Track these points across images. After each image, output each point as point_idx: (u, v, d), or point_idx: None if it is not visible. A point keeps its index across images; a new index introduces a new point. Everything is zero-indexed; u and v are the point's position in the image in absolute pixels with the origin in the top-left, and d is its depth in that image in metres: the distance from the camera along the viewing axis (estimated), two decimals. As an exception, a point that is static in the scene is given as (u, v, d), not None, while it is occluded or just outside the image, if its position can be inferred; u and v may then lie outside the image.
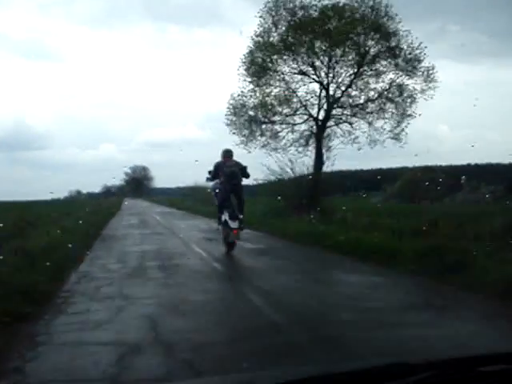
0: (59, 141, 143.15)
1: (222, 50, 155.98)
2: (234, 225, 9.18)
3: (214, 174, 9.86)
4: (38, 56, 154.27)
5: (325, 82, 17.86)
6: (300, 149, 18.24)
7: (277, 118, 18.20)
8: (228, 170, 9.50)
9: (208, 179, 10.27)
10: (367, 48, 17.34)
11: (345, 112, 18.44)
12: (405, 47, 17.08)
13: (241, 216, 9.39)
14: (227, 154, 9.85)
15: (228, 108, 18.47)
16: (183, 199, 39.97)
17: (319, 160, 17.44)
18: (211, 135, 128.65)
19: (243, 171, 9.83)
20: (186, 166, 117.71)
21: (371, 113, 18.11)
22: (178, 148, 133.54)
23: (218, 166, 9.74)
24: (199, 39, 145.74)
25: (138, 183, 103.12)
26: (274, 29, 17.37)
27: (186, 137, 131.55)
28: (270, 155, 17.43)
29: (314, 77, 17.95)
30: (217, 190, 10.01)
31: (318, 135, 18.09)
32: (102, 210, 28.74)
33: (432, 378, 1.24)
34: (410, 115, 17.75)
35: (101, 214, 24.38)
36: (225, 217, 9.47)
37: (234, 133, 18.29)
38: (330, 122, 18.40)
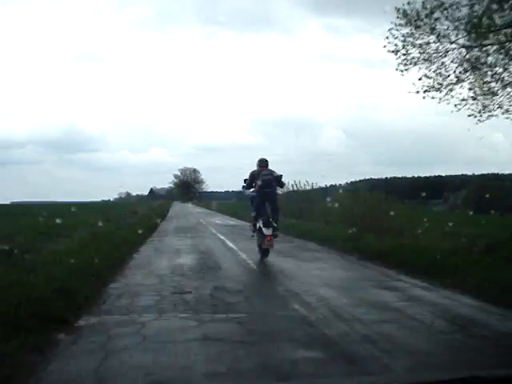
0: (112, 144, 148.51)
1: (271, 55, 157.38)
2: (267, 232, 9.32)
3: (250, 182, 10.06)
4: (91, 59, 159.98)
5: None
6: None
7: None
8: (263, 179, 9.69)
9: (244, 187, 10.32)
10: None
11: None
12: None
13: (275, 224, 9.55)
14: (262, 163, 10.03)
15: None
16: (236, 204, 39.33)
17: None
18: (260, 139, 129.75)
19: (278, 180, 10.05)
20: (234, 170, 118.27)
21: None
22: (227, 152, 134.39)
23: (253, 175, 9.98)
24: (250, 44, 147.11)
25: (187, 186, 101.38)
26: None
27: (235, 141, 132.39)
28: None
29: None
30: (252, 198, 10.20)
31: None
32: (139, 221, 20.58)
33: None
34: None
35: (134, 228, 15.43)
36: (259, 224, 9.62)
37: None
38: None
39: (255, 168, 10.07)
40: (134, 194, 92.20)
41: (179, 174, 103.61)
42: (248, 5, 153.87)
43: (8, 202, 53.16)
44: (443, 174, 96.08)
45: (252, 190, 10.07)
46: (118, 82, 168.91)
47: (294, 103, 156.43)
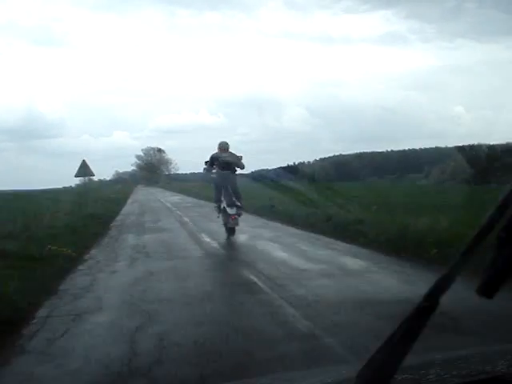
0: (72, 128, 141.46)
1: (232, 33, 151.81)
2: (231, 211, 9.71)
3: (210, 164, 10.29)
4: (47, 43, 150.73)
5: None
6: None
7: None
8: (222, 161, 10.00)
9: (205, 169, 10.56)
10: None
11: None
12: None
13: (238, 203, 9.83)
14: (223, 146, 10.31)
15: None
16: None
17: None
18: (223, 120, 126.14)
19: (238, 162, 10.23)
20: (199, 151, 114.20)
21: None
22: (191, 133, 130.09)
23: (213, 158, 10.24)
24: (210, 23, 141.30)
25: (152, 168, 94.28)
26: None
27: (199, 122, 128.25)
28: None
29: None
30: (214, 180, 10.53)
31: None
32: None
33: None
34: None
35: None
36: (223, 204, 9.94)
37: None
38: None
39: (216, 151, 10.31)
40: (96, 179, 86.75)
41: (142, 154, 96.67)
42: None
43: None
44: (417, 147, 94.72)
45: (213, 171, 10.32)
46: (76, 65, 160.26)
47: (257, 82, 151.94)
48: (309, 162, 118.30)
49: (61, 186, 67.67)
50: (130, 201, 30.56)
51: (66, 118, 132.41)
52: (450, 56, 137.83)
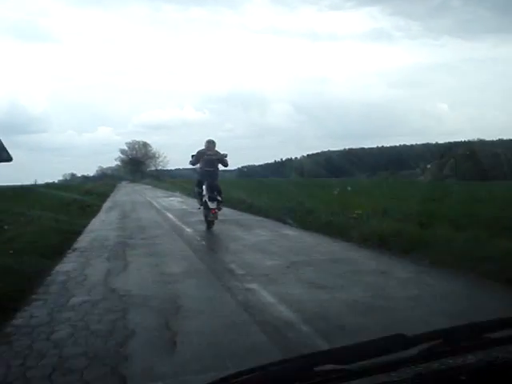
0: (56, 124, 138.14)
1: (217, 29, 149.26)
2: (212, 205, 10.24)
3: (195, 160, 10.91)
4: (31, 37, 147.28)
5: None
6: None
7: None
8: (207, 158, 10.68)
9: (190, 162, 11.12)
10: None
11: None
12: None
13: (219, 198, 10.41)
14: (210, 144, 10.89)
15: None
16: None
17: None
18: (209, 116, 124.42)
19: (222, 160, 10.92)
20: (184, 147, 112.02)
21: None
22: (176, 129, 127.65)
23: (199, 153, 10.85)
24: (195, 18, 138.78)
25: (137, 163, 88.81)
26: None
27: (184, 118, 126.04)
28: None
29: None
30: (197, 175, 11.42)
31: None
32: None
33: (437, 347, 1.11)
34: None
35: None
36: (205, 198, 10.46)
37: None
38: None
39: (203, 147, 10.90)
40: (79, 175, 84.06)
41: (126, 148, 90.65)
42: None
43: None
44: (408, 143, 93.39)
45: (198, 166, 11.00)
46: (60, 60, 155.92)
47: (242, 78, 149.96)
48: (296, 158, 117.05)
49: (43, 182, 66.27)
50: (107, 204, 21.03)
51: (49, 113, 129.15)
52: (436, 53, 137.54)
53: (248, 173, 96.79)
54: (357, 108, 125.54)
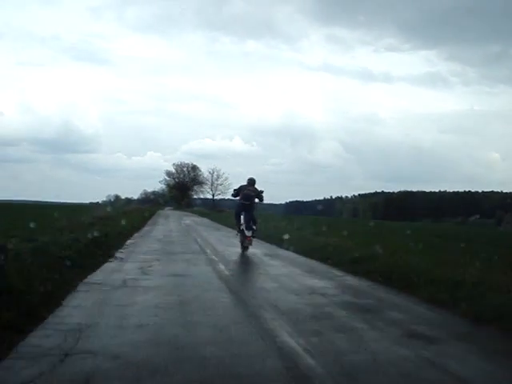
0: (106, 145, 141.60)
1: (271, 62, 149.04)
2: (248, 233, 12.11)
3: (236, 193, 12.81)
4: (88, 59, 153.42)
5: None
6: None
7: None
8: (246, 193, 12.43)
9: (232, 195, 13.27)
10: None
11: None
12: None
13: (254, 227, 12.31)
14: (250, 181, 12.70)
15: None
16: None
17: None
18: (257, 149, 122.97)
19: (259, 195, 12.61)
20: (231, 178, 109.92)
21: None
22: (223, 159, 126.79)
23: (240, 188, 12.74)
24: (250, 51, 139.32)
25: (184, 188, 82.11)
26: None
27: (232, 149, 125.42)
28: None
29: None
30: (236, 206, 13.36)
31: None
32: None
33: None
34: None
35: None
36: (242, 227, 12.26)
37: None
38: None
39: (245, 183, 12.78)
40: (123, 197, 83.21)
41: (174, 170, 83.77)
42: (251, 10, 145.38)
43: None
44: (473, 190, 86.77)
45: (237, 198, 12.79)
46: (114, 83, 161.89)
47: (292, 113, 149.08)
48: (347, 196, 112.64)
49: (87, 202, 65.51)
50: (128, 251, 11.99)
51: (101, 134, 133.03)
52: (490, 101, 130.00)
53: (295, 208, 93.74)
54: (406, 150, 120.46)
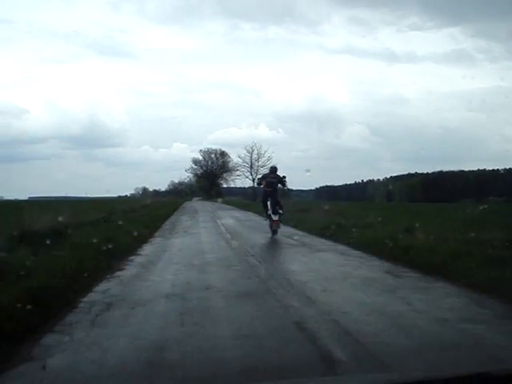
0: (132, 139, 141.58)
1: (294, 47, 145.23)
2: (275, 218, 13.06)
3: (260, 181, 14.30)
4: (112, 53, 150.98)
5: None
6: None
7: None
8: (269, 180, 13.64)
9: (257, 184, 15.45)
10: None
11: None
12: None
13: (280, 211, 13.26)
14: (272, 169, 14.23)
15: None
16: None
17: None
18: (283, 135, 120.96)
19: (281, 181, 13.80)
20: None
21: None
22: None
23: (263, 177, 14.41)
24: (272, 37, 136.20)
25: (212, 176, 78.22)
26: None
27: (258, 136, 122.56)
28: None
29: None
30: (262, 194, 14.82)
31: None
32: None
33: None
34: None
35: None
36: (269, 212, 13.24)
37: None
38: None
39: (268, 171, 14.90)
40: (151, 189, 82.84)
41: (201, 158, 78.47)
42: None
43: (26, 197, 52.47)
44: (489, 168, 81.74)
45: (261, 186, 14.18)
46: (138, 76, 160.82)
47: (317, 98, 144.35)
48: (378, 179, 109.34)
49: (116, 195, 65.19)
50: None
51: (127, 128, 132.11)
52: None
53: (327, 193, 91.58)
54: (434, 131, 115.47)
